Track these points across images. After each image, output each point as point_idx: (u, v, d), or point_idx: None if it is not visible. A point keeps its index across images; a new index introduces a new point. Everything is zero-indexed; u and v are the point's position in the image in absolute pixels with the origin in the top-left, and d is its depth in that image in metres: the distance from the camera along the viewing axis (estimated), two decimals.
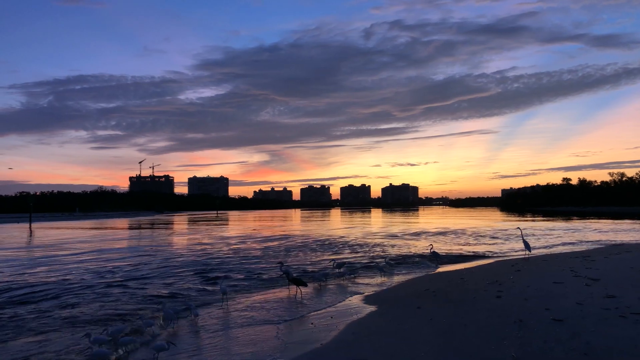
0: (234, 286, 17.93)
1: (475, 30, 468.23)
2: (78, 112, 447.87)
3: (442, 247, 32.25)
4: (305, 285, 16.13)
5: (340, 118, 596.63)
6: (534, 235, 42.77)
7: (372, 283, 18.21)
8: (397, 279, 19.28)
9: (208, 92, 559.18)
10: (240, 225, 76.92)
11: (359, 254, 28.81)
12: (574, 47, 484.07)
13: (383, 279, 19.20)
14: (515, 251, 29.00)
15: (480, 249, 31.22)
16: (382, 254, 28.64)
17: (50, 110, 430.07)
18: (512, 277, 16.76)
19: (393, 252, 29.67)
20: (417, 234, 46.74)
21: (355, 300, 14.77)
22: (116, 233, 57.92)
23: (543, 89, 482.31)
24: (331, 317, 12.61)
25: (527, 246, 23.90)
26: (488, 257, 26.60)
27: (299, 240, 40.48)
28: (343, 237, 44.29)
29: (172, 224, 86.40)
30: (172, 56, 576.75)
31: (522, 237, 26.67)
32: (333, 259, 23.75)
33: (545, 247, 31.78)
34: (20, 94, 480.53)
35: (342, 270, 20.09)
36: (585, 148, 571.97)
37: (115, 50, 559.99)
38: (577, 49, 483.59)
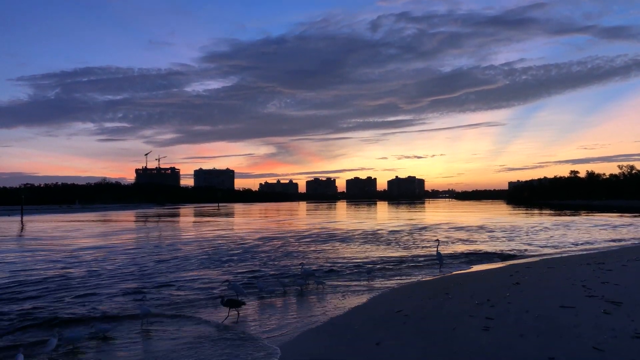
0: None
1: (483, 22, 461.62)
2: (85, 104, 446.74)
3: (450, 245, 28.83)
4: (240, 305, 12.83)
5: (346, 110, 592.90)
6: (538, 230, 39.41)
7: (340, 297, 14.87)
8: (378, 288, 16.02)
9: (215, 85, 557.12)
10: (219, 220, 73.75)
11: (345, 258, 25.45)
12: (582, 39, 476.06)
13: (359, 293, 15.83)
14: (518, 251, 25.71)
15: (481, 247, 27.86)
16: (369, 257, 25.28)
17: (58, 103, 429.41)
18: (509, 293, 13.35)
19: (391, 254, 26.23)
20: (424, 228, 43.34)
21: (301, 327, 11.44)
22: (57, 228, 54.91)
23: (551, 81, 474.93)
24: None
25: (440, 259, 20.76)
26: (488, 257, 23.33)
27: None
28: (333, 233, 41.01)
29: (152, 217, 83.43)
30: (179, 48, 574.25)
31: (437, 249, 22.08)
32: (302, 264, 20.45)
33: (551, 248, 28.39)
34: (28, 86, 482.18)
35: (305, 280, 16.82)
36: (594, 140, 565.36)
37: (122, 43, 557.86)
38: (586, 40, 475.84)
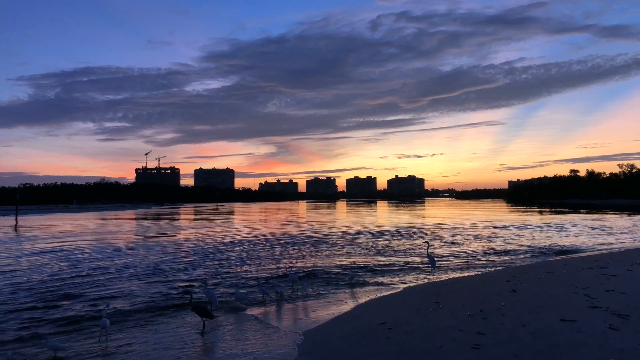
0: None
1: (483, 21, 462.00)
2: (85, 104, 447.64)
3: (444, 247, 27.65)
4: (210, 317, 11.68)
5: (347, 110, 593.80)
6: (538, 231, 38.22)
7: (319, 306, 13.70)
8: (363, 295, 14.90)
9: (215, 84, 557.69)
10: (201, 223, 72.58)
11: (332, 262, 24.31)
12: (582, 38, 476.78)
13: (341, 302, 14.66)
14: (518, 253, 24.52)
15: (479, 247, 26.65)
16: (357, 262, 24.12)
17: (58, 102, 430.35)
18: (504, 303, 12.17)
19: (380, 258, 25.11)
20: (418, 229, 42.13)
21: (277, 346, 10.29)
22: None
23: (551, 80, 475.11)
24: None
25: (432, 261, 18.85)
26: (486, 258, 22.13)
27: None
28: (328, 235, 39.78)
29: (142, 218, 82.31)
30: (179, 48, 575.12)
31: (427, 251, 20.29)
32: (289, 267, 19.41)
33: (550, 249, 27.21)
34: (28, 86, 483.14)
35: (291, 286, 15.73)
36: (594, 139, 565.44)
37: (122, 42, 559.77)
38: (586, 39, 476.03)
